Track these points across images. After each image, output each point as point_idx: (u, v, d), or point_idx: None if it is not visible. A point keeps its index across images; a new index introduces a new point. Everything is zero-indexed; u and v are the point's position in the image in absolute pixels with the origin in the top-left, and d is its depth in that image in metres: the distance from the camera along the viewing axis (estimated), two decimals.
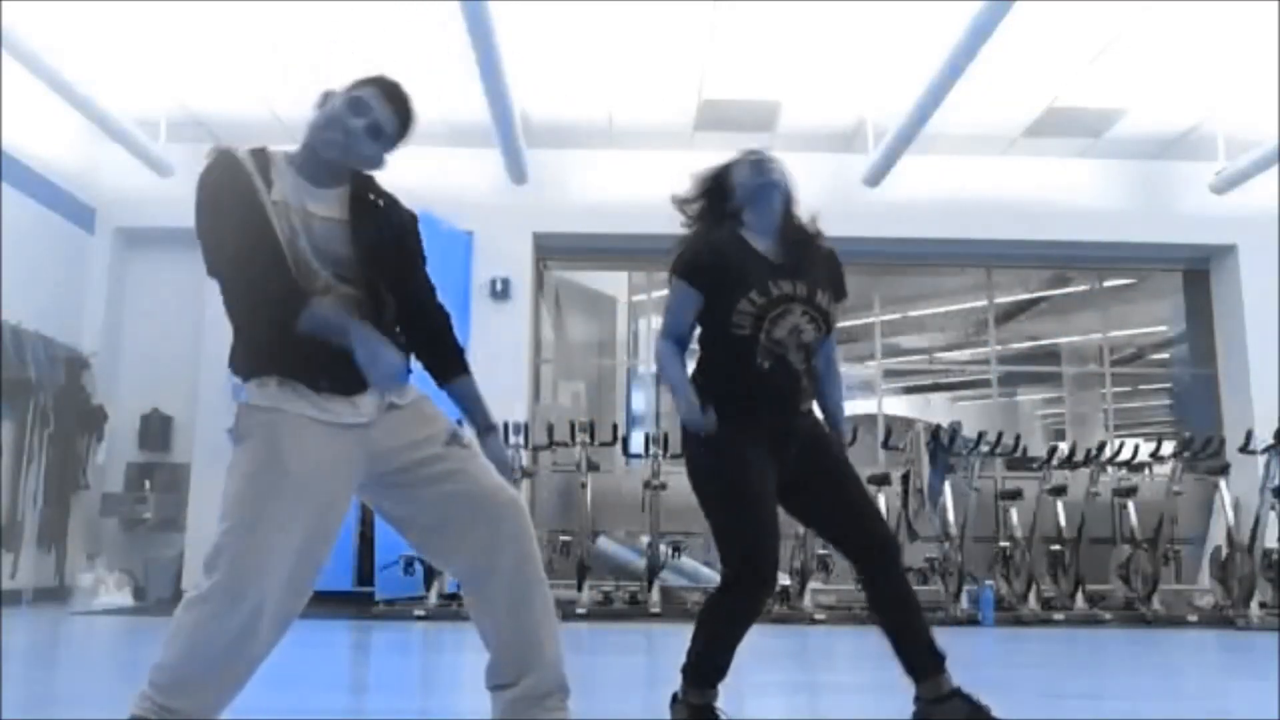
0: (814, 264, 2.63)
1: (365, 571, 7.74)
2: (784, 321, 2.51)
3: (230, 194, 2.03)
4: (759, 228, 2.63)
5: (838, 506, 2.58)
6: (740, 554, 2.43)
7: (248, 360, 2.11)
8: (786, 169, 2.69)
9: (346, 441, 2.09)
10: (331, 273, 2.09)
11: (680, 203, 2.76)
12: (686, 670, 2.50)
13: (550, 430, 7.72)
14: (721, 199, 2.69)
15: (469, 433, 2.29)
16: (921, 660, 2.49)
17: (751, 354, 2.50)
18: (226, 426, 2.13)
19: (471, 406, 2.33)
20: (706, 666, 2.50)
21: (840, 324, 2.71)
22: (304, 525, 2.02)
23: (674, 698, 2.53)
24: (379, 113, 2.11)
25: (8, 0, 6.20)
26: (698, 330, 2.65)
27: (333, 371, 2.05)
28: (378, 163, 2.18)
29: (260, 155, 2.10)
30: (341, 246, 2.11)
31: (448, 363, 2.32)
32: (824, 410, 2.71)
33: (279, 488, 2.00)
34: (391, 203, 2.25)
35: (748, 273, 2.53)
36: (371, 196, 2.20)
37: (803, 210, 2.71)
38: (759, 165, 2.66)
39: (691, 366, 2.62)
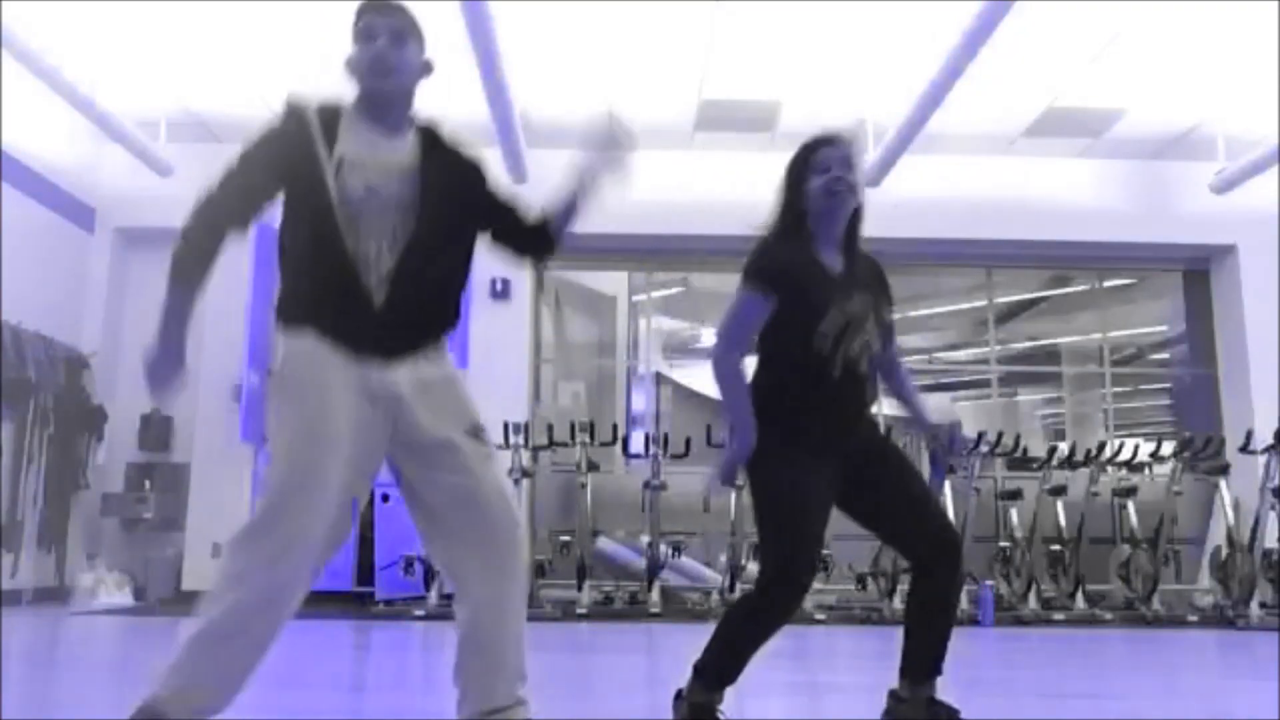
0: (870, 276, 2.63)
1: (365, 571, 7.74)
2: (858, 339, 2.50)
3: (290, 154, 2.13)
4: (824, 239, 2.59)
5: (906, 505, 2.56)
6: (780, 557, 2.42)
7: (291, 309, 2.17)
8: (860, 177, 2.61)
9: (376, 407, 2.13)
10: (390, 230, 2.14)
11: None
12: (699, 669, 2.50)
13: (550, 430, 7.71)
14: (797, 197, 2.59)
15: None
16: (925, 666, 2.51)
17: (828, 369, 2.47)
18: (269, 371, 2.18)
19: (569, 196, 2.34)
20: (721, 668, 2.50)
21: None
22: (341, 482, 2.07)
23: (678, 694, 2.53)
24: (385, 22, 2.21)
25: (8, 0, 6.20)
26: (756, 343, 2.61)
27: (368, 336, 2.12)
28: (424, 68, 2.28)
29: (329, 111, 2.19)
30: (411, 192, 2.17)
31: (545, 226, 2.36)
32: (912, 411, 2.73)
33: (320, 447, 2.05)
34: (458, 149, 2.32)
35: (825, 292, 2.50)
36: (441, 143, 2.28)
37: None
38: (833, 182, 2.54)
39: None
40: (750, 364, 2.61)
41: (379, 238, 2.13)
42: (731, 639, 2.49)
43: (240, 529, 2.04)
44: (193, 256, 2.13)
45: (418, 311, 2.19)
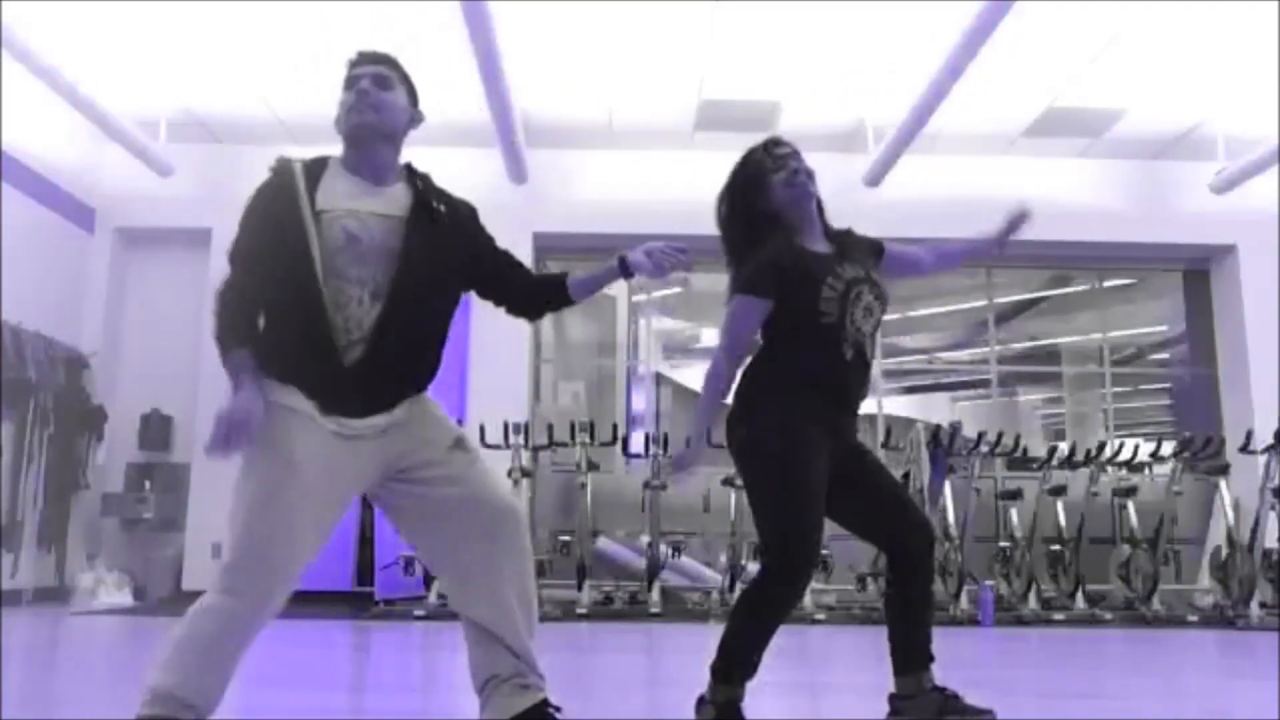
0: (855, 248, 2.70)
1: (365, 571, 7.74)
2: (860, 302, 2.54)
3: (275, 208, 2.13)
4: (805, 231, 2.64)
5: (882, 500, 2.60)
6: (783, 535, 2.44)
7: (264, 361, 2.14)
8: (808, 166, 2.67)
9: (354, 448, 2.14)
10: (372, 279, 2.12)
11: (722, 227, 2.71)
12: (717, 667, 2.50)
13: (550, 430, 7.71)
14: (756, 207, 2.65)
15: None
16: (922, 654, 2.52)
17: (838, 343, 2.51)
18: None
19: (597, 276, 2.37)
20: (739, 661, 2.50)
21: None
22: (312, 529, 2.10)
23: (700, 700, 2.53)
24: (370, 69, 2.24)
25: (8, 0, 6.20)
26: (761, 333, 2.64)
27: (339, 393, 2.12)
28: (410, 117, 2.29)
29: (315, 165, 2.20)
30: (397, 241, 2.16)
31: (553, 292, 2.40)
32: (972, 245, 3.16)
33: (292, 495, 2.05)
34: (449, 200, 2.32)
35: (816, 267, 2.55)
36: (432, 197, 2.27)
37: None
38: (793, 177, 2.62)
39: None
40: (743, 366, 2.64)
41: (360, 286, 2.11)
42: (741, 631, 2.50)
43: (221, 571, 2.07)
44: (230, 327, 2.12)
45: (398, 366, 2.18)
